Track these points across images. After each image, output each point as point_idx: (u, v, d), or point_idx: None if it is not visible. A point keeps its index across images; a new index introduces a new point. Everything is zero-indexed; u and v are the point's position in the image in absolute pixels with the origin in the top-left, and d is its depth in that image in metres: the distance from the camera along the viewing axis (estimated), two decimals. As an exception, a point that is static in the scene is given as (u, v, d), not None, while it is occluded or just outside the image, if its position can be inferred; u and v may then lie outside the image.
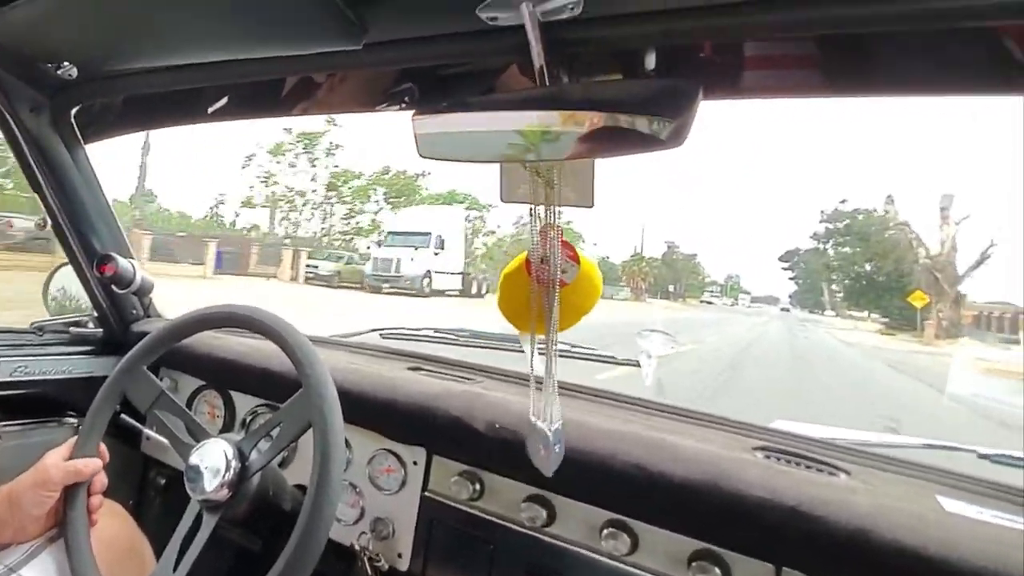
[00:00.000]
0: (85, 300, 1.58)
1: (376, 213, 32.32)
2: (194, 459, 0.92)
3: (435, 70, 1.05)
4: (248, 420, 1.37)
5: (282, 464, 1.26)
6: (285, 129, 30.58)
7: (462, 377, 1.32)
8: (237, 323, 1.02)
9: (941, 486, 0.92)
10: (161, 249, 19.29)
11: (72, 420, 1.48)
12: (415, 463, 1.15)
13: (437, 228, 21.99)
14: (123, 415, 1.09)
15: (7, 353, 1.38)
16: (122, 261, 1.46)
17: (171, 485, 1.56)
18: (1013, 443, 1.02)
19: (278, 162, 31.11)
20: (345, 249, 28.63)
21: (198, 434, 0.99)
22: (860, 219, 32.78)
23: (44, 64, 1.14)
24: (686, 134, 0.64)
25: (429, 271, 20.74)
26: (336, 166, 31.83)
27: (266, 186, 31.21)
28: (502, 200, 0.91)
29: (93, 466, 0.97)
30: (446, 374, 1.34)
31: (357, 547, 1.14)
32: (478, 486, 1.07)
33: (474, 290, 23.37)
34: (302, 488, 0.93)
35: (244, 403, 1.39)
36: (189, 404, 1.47)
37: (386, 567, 1.13)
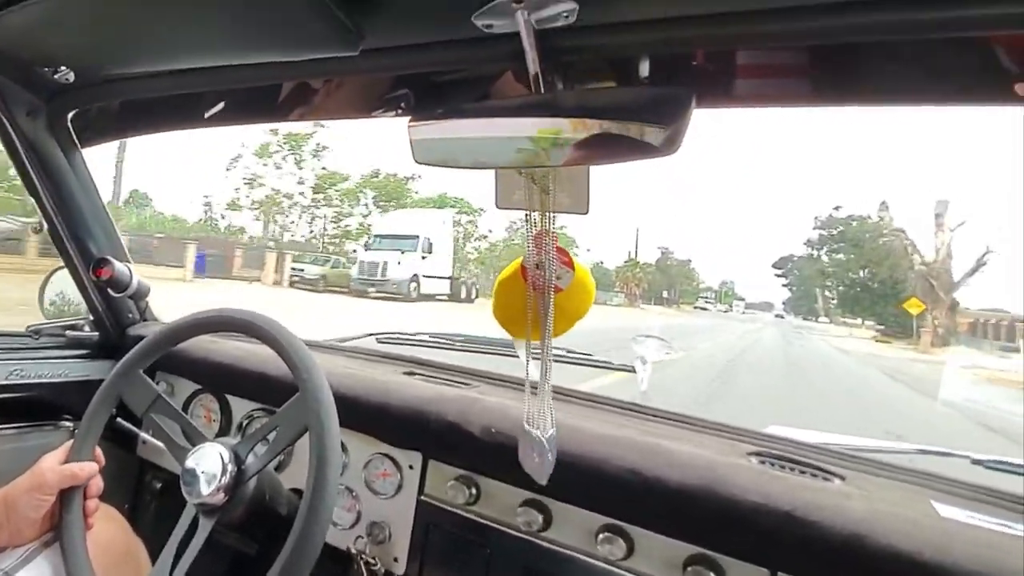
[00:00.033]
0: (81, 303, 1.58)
1: (366, 216, 31.82)
2: (190, 463, 0.92)
3: (431, 77, 1.05)
4: (244, 424, 1.37)
5: (278, 468, 1.26)
6: (271, 130, 30.11)
7: (458, 382, 1.32)
8: (233, 327, 1.02)
9: (935, 491, 0.92)
10: (140, 251, 18.89)
11: (68, 424, 1.47)
12: (411, 467, 1.15)
13: (425, 231, 21.69)
14: (119, 419, 1.09)
15: (3, 356, 1.37)
16: (118, 265, 1.46)
17: (167, 489, 1.56)
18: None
19: (265, 164, 30.62)
20: (334, 253, 28.24)
21: (194, 438, 0.99)
22: (854, 225, 32.83)
23: (41, 68, 1.14)
24: (680, 141, 0.64)
25: (416, 275, 20.46)
26: (324, 168, 31.44)
27: (251, 188, 30.71)
28: (497, 206, 0.92)
29: (89, 470, 0.97)
30: (442, 379, 1.34)
31: (353, 551, 1.14)
32: (474, 490, 1.07)
33: (463, 295, 23.05)
34: (298, 492, 0.94)
35: (240, 407, 1.39)
36: (185, 408, 1.46)
37: (382, 571, 1.13)
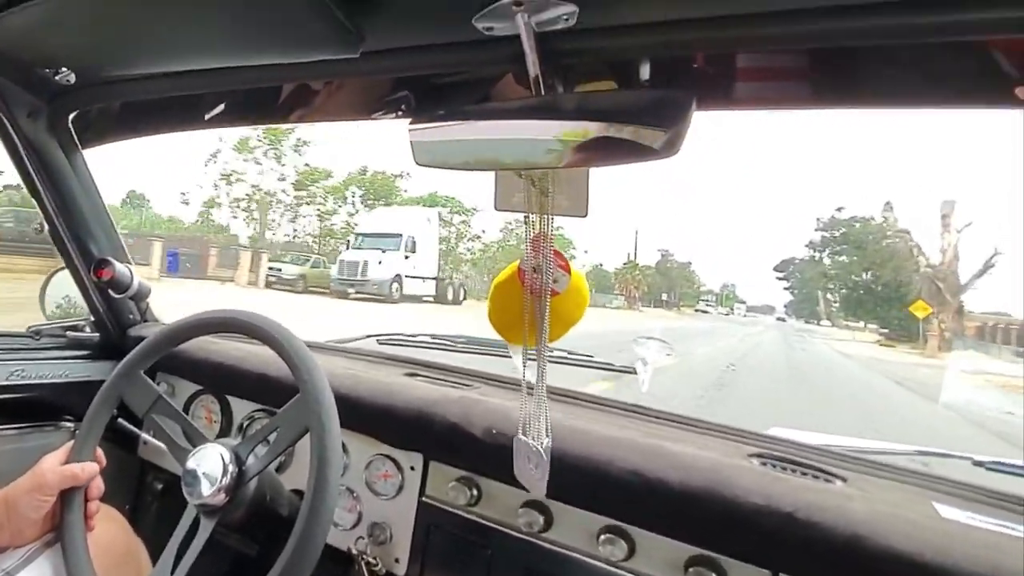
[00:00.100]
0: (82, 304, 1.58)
1: (352, 215, 30.54)
2: (191, 464, 0.92)
3: (431, 79, 1.05)
4: (245, 425, 1.37)
5: (279, 469, 1.26)
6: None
7: (459, 383, 1.32)
8: (234, 328, 1.03)
9: (937, 493, 0.92)
10: None
11: (69, 424, 1.48)
12: (412, 468, 1.15)
13: (408, 230, 20.84)
14: (120, 419, 1.09)
15: (4, 357, 1.38)
16: (119, 266, 1.46)
17: (168, 490, 1.56)
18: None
19: (245, 160, 29.17)
20: (315, 252, 27.09)
21: (195, 439, 0.99)
22: (857, 227, 32.35)
23: (42, 69, 1.14)
24: (680, 144, 0.64)
25: (399, 275, 19.62)
26: (307, 164, 30.23)
27: (229, 184, 29.33)
28: (496, 208, 0.92)
29: (90, 470, 0.97)
30: (443, 380, 1.35)
31: (354, 552, 1.14)
32: (475, 491, 1.08)
33: (450, 296, 22.18)
34: (299, 493, 0.94)
35: (241, 408, 1.40)
36: (186, 409, 1.47)
37: (383, 572, 1.13)
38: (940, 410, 8.83)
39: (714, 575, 0.86)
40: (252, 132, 28.28)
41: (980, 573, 0.70)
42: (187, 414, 1.10)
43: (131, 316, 1.62)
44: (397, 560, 1.13)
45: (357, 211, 30.52)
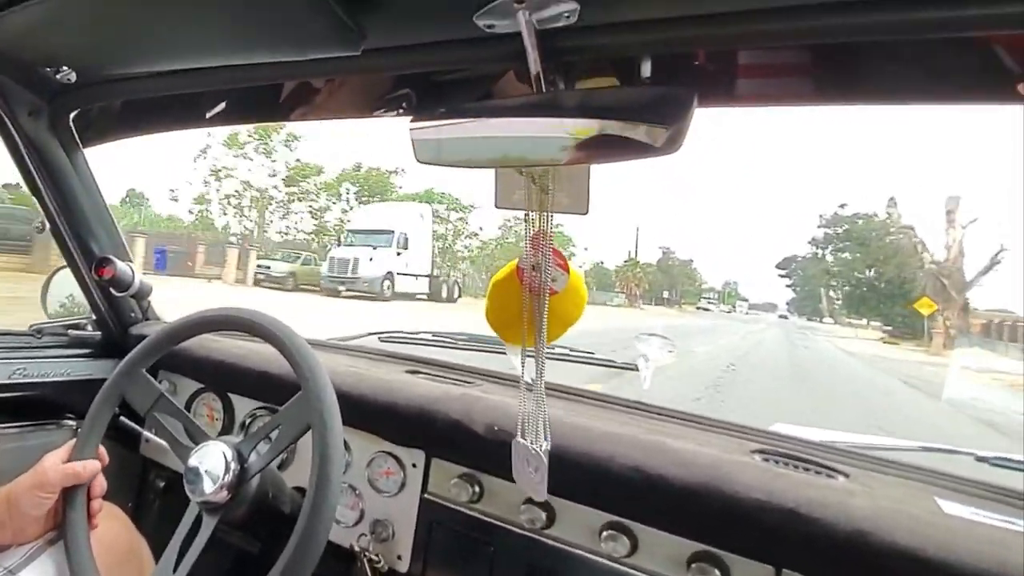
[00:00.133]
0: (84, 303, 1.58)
1: (346, 212, 29.58)
2: (193, 461, 0.92)
3: (432, 76, 1.05)
4: (247, 423, 1.37)
5: (281, 467, 1.27)
6: (241, 120, 28.24)
7: (460, 380, 1.32)
8: (236, 326, 1.03)
9: (940, 488, 0.92)
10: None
11: (71, 422, 1.48)
12: (414, 465, 1.15)
13: (401, 226, 20.31)
14: (122, 417, 1.09)
15: (5, 355, 1.38)
16: (120, 264, 1.47)
17: (170, 487, 1.56)
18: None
19: (236, 156, 28.16)
20: (305, 249, 26.02)
21: (197, 436, 0.99)
22: (860, 224, 32.11)
23: (43, 68, 1.14)
24: (681, 141, 0.64)
25: (391, 273, 19.09)
26: (298, 160, 29.27)
27: (218, 180, 28.27)
28: (496, 206, 0.92)
29: (91, 468, 0.97)
30: (445, 377, 1.35)
31: (357, 549, 1.14)
32: (477, 488, 1.08)
33: (444, 294, 21.67)
34: (301, 491, 0.94)
35: (243, 406, 1.40)
36: (188, 407, 1.47)
37: (386, 569, 1.13)
38: (948, 409, 8.68)
39: (717, 571, 0.86)
40: (242, 127, 27.09)
41: (983, 569, 0.70)
42: (189, 412, 1.10)
43: (132, 314, 1.62)
44: (399, 557, 1.13)
45: (352, 208, 29.80)
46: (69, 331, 1.55)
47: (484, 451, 1.06)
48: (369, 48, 0.87)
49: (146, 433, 1.08)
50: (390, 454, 1.17)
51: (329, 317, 11.64)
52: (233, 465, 0.92)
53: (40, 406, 1.44)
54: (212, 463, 0.91)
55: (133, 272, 1.50)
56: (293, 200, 29.76)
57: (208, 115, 1.35)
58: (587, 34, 0.77)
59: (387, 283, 18.94)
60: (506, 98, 0.97)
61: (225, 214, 29.03)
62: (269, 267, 20.96)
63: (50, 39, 1.04)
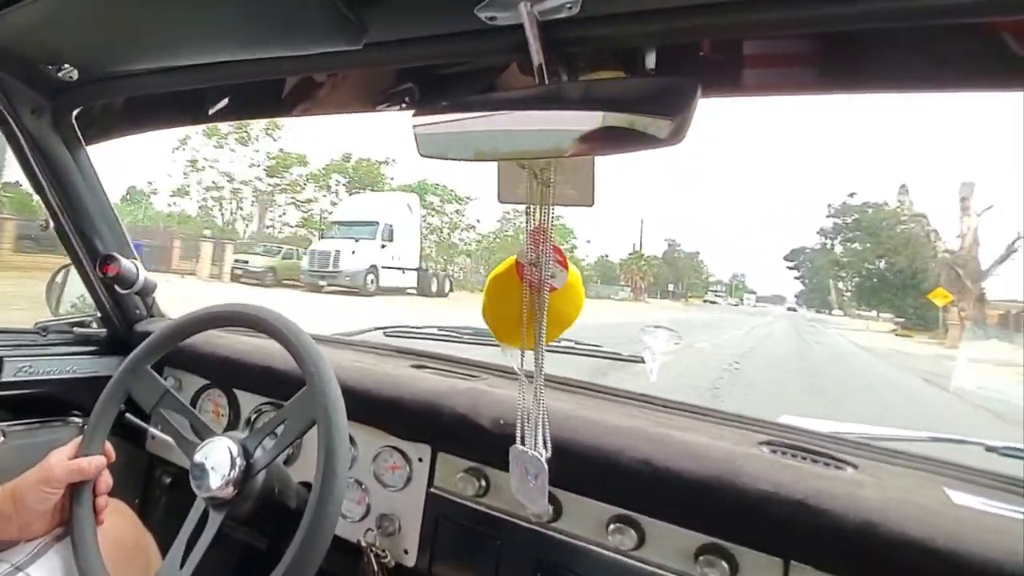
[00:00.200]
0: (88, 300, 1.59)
1: (335, 204, 28.27)
2: (199, 457, 0.92)
3: (435, 69, 1.05)
4: (252, 418, 1.38)
5: (287, 462, 1.27)
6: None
7: (466, 374, 1.32)
8: (241, 322, 1.03)
9: (949, 479, 0.92)
10: (43, 239, 16.86)
11: (77, 419, 1.48)
12: (420, 460, 1.15)
13: (386, 217, 19.62)
14: (128, 414, 1.09)
15: (12, 353, 1.38)
16: (125, 262, 1.47)
17: (176, 483, 1.57)
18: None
19: (217, 147, 27.48)
20: (285, 242, 25.35)
21: (203, 432, 0.99)
22: (870, 213, 31.65)
23: (45, 66, 1.14)
24: (685, 131, 0.64)
25: (375, 266, 18.48)
26: (281, 150, 28.46)
27: (196, 171, 27.69)
28: (499, 201, 0.91)
29: (97, 464, 0.97)
30: (450, 371, 1.35)
31: (363, 543, 1.14)
32: (484, 482, 1.08)
33: (434, 288, 21.13)
34: (307, 485, 0.94)
35: (248, 401, 1.40)
36: (193, 403, 1.47)
37: (392, 563, 1.13)
38: (972, 408, 8.27)
39: (724, 564, 0.86)
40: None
41: (993, 558, 0.70)
42: (194, 408, 1.10)
43: (137, 311, 1.63)
44: (406, 551, 1.13)
45: (341, 199, 28.63)
46: (74, 328, 1.56)
47: (490, 445, 1.05)
48: (371, 42, 0.87)
49: (152, 429, 1.08)
50: (396, 448, 1.17)
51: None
52: (239, 461, 0.92)
53: (46, 403, 1.44)
54: (218, 459, 0.91)
55: (138, 269, 1.51)
56: (275, 191, 29.09)
57: (211, 111, 1.34)
58: (589, 25, 0.76)
59: (371, 277, 18.39)
60: (509, 91, 0.96)
61: (204, 206, 28.49)
62: (247, 261, 20.16)
63: (52, 37, 1.04)
